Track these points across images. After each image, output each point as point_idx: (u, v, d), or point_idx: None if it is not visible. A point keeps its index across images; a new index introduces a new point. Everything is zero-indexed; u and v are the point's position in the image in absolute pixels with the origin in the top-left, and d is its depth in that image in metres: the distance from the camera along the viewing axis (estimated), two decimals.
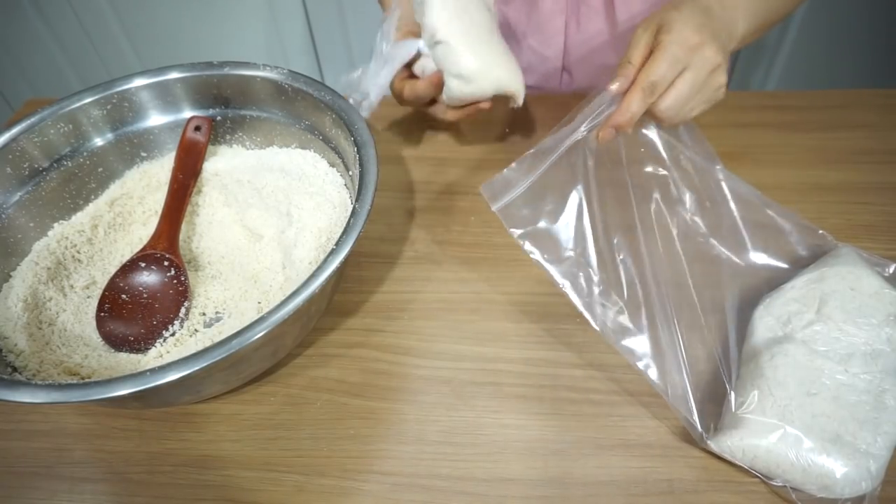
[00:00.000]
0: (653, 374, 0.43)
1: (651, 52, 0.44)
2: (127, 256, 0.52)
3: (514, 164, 0.46)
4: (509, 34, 0.66)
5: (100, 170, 0.56)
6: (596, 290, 0.45)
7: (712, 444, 0.41)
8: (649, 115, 0.46)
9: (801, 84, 1.30)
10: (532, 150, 0.46)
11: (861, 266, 0.45)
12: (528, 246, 0.45)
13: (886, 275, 0.46)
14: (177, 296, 0.49)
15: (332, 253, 0.41)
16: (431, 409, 0.45)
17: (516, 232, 0.45)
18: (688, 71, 0.44)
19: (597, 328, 0.44)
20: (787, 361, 0.41)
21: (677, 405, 0.42)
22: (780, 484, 0.39)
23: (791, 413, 0.39)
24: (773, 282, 0.48)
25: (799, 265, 0.49)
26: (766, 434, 0.39)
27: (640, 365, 0.43)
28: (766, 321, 0.44)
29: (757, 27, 0.51)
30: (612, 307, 0.45)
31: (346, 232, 0.42)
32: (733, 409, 0.41)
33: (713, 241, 0.49)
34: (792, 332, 0.43)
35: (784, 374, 0.41)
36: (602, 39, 0.64)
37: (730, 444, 0.40)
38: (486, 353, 0.48)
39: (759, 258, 0.49)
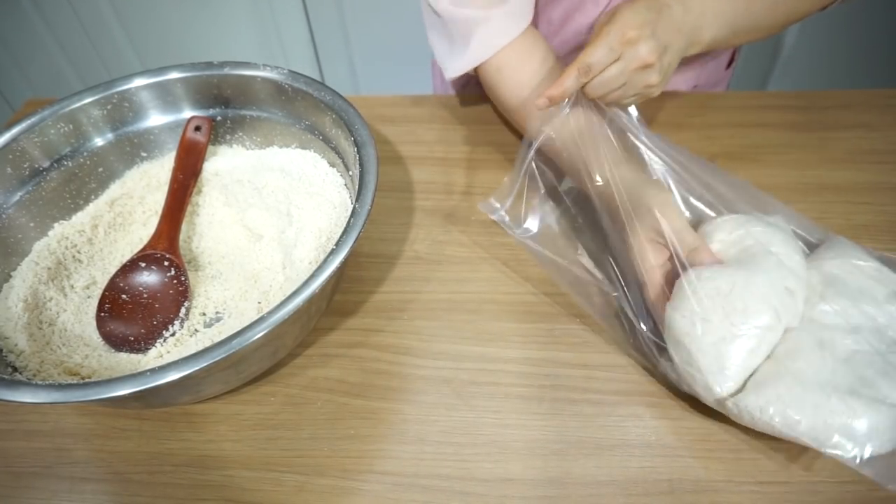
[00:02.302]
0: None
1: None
2: (127, 256, 0.52)
3: (505, 179, 0.47)
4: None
5: (100, 170, 0.56)
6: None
7: (730, 405, 0.41)
8: (582, 93, 0.49)
9: (802, 84, 1.30)
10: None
11: (858, 250, 0.46)
12: (531, 245, 0.46)
13: (882, 260, 0.47)
14: (177, 296, 0.49)
15: (332, 253, 0.41)
16: (431, 409, 0.45)
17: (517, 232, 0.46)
18: (619, 61, 0.46)
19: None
20: (799, 333, 0.42)
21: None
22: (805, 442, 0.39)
23: (806, 376, 0.39)
24: None
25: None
26: (785, 390, 0.39)
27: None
28: None
29: (731, 34, 0.51)
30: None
31: (346, 232, 0.42)
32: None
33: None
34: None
35: (796, 344, 0.41)
36: None
37: (747, 403, 0.40)
38: (486, 353, 0.48)
39: None
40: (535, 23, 0.62)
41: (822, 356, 0.40)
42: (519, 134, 0.65)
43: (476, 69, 0.57)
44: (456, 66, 0.57)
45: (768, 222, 0.47)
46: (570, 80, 0.46)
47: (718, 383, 0.40)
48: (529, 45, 0.56)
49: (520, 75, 0.55)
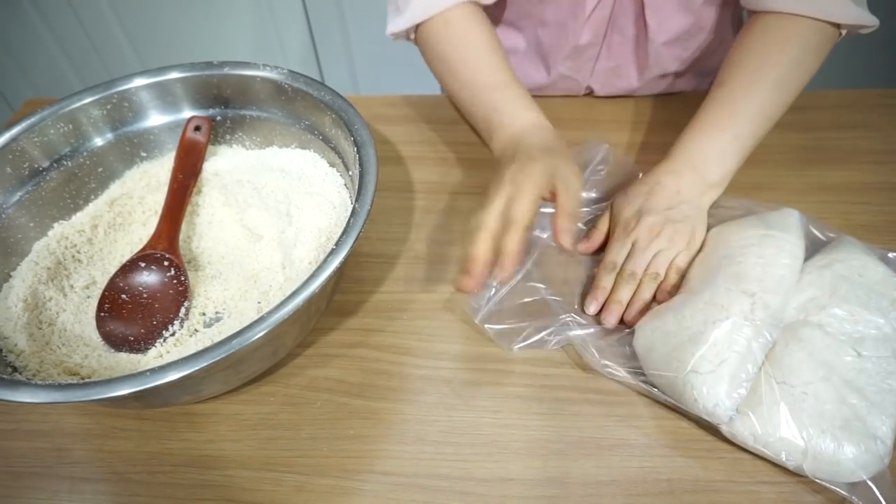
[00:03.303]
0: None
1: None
2: (127, 256, 0.52)
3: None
4: (539, 56, 0.67)
5: (100, 170, 0.56)
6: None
7: (725, 429, 0.41)
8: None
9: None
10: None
11: (865, 253, 0.46)
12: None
13: (888, 262, 0.47)
14: (177, 296, 0.49)
15: (332, 253, 0.41)
16: (431, 409, 0.45)
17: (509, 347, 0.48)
18: (635, 247, 0.50)
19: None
20: (803, 346, 0.42)
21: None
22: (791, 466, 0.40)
23: (803, 401, 0.40)
24: None
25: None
26: (778, 423, 0.39)
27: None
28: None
29: (739, 160, 0.52)
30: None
31: (345, 232, 0.42)
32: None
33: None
34: (807, 317, 0.43)
35: (799, 360, 0.41)
36: (627, 64, 0.66)
37: (742, 429, 0.40)
38: (486, 353, 0.48)
39: None
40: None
41: (822, 377, 0.41)
42: None
43: (417, 31, 0.59)
44: (396, 23, 0.58)
45: (766, 222, 0.47)
46: (605, 279, 0.49)
47: (710, 415, 0.41)
48: (475, 12, 0.58)
49: (468, 33, 0.57)
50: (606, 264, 0.50)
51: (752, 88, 0.52)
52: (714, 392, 0.40)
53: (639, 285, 0.49)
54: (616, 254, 0.50)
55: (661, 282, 0.49)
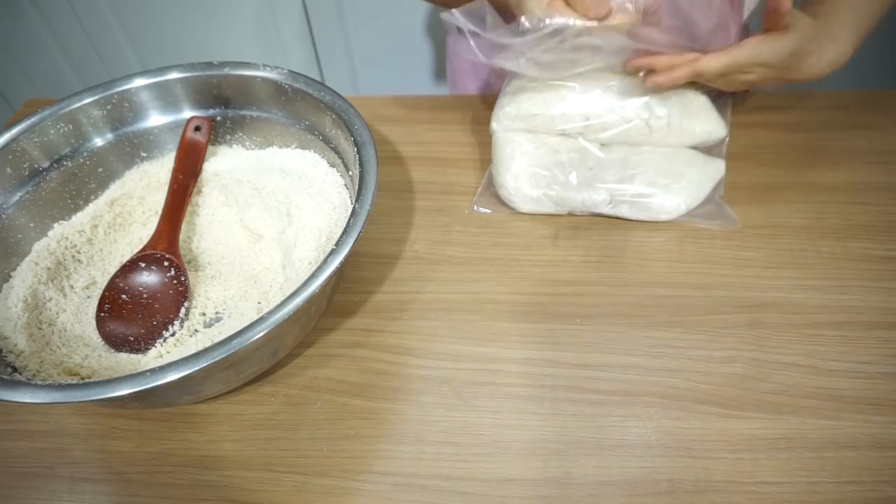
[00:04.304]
0: None
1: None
2: (127, 256, 0.52)
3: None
4: None
5: (100, 170, 0.56)
6: None
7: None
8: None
9: (801, 84, 1.29)
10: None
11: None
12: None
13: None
14: (177, 296, 0.49)
15: (332, 253, 0.41)
16: (431, 409, 0.45)
17: None
18: (732, 78, 0.50)
19: None
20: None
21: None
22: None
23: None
24: None
25: None
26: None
27: None
28: None
29: (867, 29, 0.52)
30: None
31: (345, 232, 0.42)
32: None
33: None
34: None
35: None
36: None
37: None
38: (486, 353, 0.48)
39: None
40: None
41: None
42: None
43: None
44: None
45: None
46: (682, 74, 0.49)
47: None
48: None
49: None
50: (695, 71, 0.49)
51: None
52: None
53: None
54: (712, 68, 0.48)
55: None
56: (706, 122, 0.54)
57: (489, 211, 0.58)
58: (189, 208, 0.54)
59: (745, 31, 0.54)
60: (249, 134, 0.58)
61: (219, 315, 0.50)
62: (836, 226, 0.54)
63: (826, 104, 0.65)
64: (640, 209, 0.54)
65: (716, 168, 0.55)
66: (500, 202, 0.58)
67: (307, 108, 0.54)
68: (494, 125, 0.56)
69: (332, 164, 0.55)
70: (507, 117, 0.55)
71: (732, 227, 0.54)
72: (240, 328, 0.37)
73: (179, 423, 0.46)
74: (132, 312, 0.48)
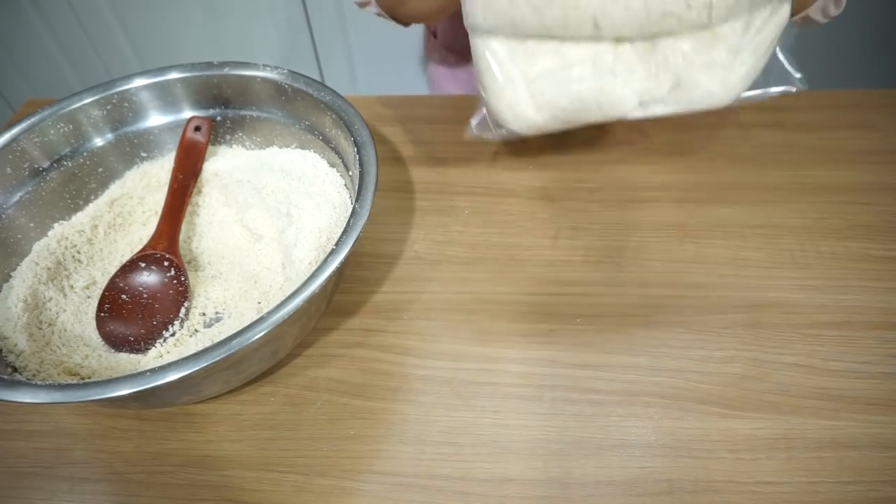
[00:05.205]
0: None
1: None
2: (127, 256, 0.52)
3: None
4: None
5: (100, 170, 0.56)
6: None
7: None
8: None
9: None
10: None
11: None
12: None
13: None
14: (177, 296, 0.49)
15: (332, 253, 0.41)
16: (431, 409, 0.45)
17: None
18: None
19: None
20: None
21: None
22: None
23: None
24: None
25: None
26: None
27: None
28: None
29: None
30: None
31: (345, 232, 0.42)
32: None
33: None
34: None
35: None
36: None
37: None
38: (486, 353, 0.48)
39: None
40: None
41: None
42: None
43: None
44: None
45: None
46: None
47: None
48: None
49: None
50: None
51: None
52: None
53: None
54: None
55: None
56: None
57: (486, 134, 0.51)
58: (189, 208, 0.54)
59: None
60: (249, 134, 0.58)
61: (219, 315, 0.50)
62: (837, 226, 0.54)
63: (826, 104, 0.65)
64: (681, 102, 0.46)
65: (778, 16, 0.43)
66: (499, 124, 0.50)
67: (307, 108, 0.54)
68: (470, 24, 0.44)
69: (332, 164, 0.55)
70: (492, 13, 0.42)
71: (794, 89, 0.47)
72: (240, 328, 0.37)
73: (179, 423, 0.46)
74: (132, 312, 0.48)
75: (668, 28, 0.42)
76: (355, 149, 0.48)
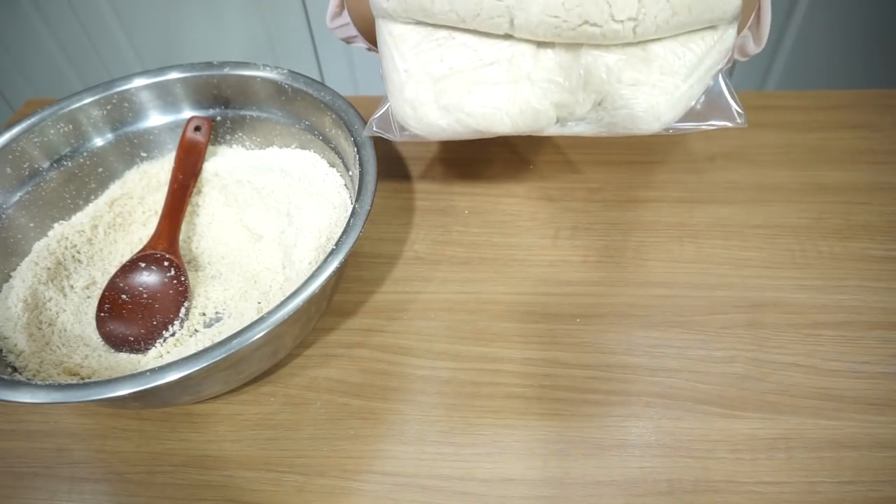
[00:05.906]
0: None
1: None
2: (127, 256, 0.52)
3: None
4: None
5: (100, 170, 0.56)
6: None
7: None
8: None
9: (801, 84, 1.30)
10: None
11: None
12: None
13: None
14: (177, 296, 0.49)
15: (332, 253, 0.41)
16: (431, 409, 0.45)
17: None
18: None
19: None
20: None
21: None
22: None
23: None
24: None
25: None
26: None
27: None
28: None
29: None
30: None
31: (345, 232, 0.42)
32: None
33: None
34: None
35: None
36: None
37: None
38: (486, 353, 0.48)
39: None
40: None
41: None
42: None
43: None
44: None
45: None
46: None
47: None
48: None
49: None
50: None
51: None
52: None
53: None
54: None
55: None
56: None
57: (387, 134, 0.45)
58: (189, 208, 0.54)
59: None
60: (249, 134, 0.58)
61: (219, 315, 0.50)
62: (836, 226, 0.54)
63: (826, 104, 0.65)
64: (603, 123, 0.40)
65: (722, 42, 0.39)
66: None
67: (307, 108, 0.54)
68: (373, 3, 0.39)
69: (332, 164, 0.55)
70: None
71: (735, 124, 0.41)
72: (240, 328, 0.37)
73: (179, 423, 0.46)
74: (132, 312, 0.48)
75: (590, 37, 0.36)
76: (355, 149, 0.48)
